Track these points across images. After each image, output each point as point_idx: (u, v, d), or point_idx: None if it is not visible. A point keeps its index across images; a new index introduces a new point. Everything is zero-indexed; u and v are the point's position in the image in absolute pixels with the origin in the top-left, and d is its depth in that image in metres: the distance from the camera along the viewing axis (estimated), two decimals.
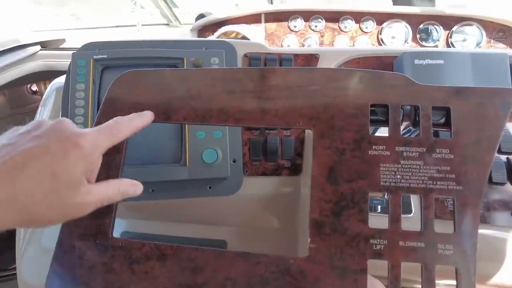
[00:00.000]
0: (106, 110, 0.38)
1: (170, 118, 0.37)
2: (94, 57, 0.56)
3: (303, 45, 1.16)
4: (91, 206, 0.31)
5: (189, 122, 0.37)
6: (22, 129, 0.31)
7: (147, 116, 0.37)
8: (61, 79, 0.64)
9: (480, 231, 0.48)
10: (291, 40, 1.17)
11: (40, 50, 1.07)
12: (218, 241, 0.60)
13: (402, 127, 0.44)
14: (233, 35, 1.06)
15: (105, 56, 0.56)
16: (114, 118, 0.35)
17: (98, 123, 0.38)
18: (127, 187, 0.35)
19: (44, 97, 0.64)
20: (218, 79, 0.37)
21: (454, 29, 1.12)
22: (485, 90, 0.34)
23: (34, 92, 1.33)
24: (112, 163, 0.37)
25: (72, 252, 0.35)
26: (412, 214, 0.50)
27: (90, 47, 0.58)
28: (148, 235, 0.59)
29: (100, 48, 0.58)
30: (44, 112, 0.63)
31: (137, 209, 0.58)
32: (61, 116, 0.57)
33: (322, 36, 1.16)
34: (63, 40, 1.13)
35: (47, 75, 1.09)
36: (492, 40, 1.13)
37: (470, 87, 0.34)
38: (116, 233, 0.58)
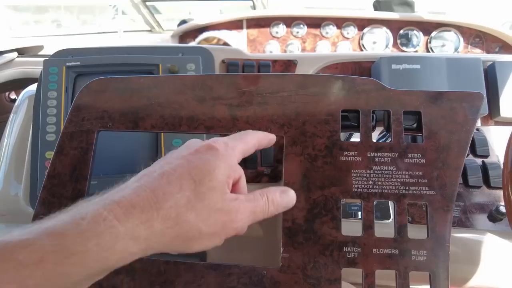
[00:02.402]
0: (73, 119, 0.37)
1: (138, 126, 0.36)
2: (67, 64, 0.54)
3: (285, 51, 1.16)
4: (244, 216, 0.28)
5: (157, 130, 0.36)
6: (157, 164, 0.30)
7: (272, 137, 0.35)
8: (34, 87, 0.62)
9: (458, 234, 0.48)
10: (273, 46, 1.17)
11: (17, 57, 1.04)
12: (197, 253, 0.58)
13: (377, 133, 0.44)
14: (215, 41, 1.06)
15: (78, 63, 0.54)
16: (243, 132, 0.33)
17: (65, 133, 0.37)
18: (275, 194, 0.31)
19: (16, 104, 0.62)
20: (188, 86, 0.36)
21: (433, 34, 1.14)
22: (454, 94, 0.34)
23: (13, 100, 1.29)
24: (80, 175, 0.35)
25: None
26: (390, 220, 0.50)
27: (63, 53, 0.57)
28: None
29: (73, 55, 0.56)
30: (16, 120, 0.61)
31: None
32: (33, 126, 0.55)
33: (304, 42, 1.16)
34: (41, 47, 1.10)
35: (25, 83, 1.06)
36: (469, 46, 1.15)
37: (439, 91, 0.34)
38: None
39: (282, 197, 0.31)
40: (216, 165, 0.28)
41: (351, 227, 0.32)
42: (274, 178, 0.56)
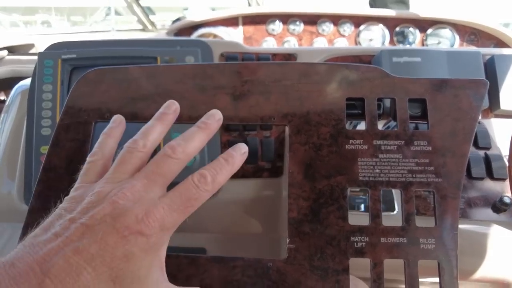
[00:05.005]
0: (70, 111, 0.36)
1: (137, 117, 0.35)
2: (62, 57, 0.53)
3: None
4: None
5: None
6: (67, 208, 0.25)
7: (237, 159, 0.29)
8: (26, 82, 0.60)
9: (462, 226, 0.48)
10: (270, 44, 1.16)
11: (8, 55, 1.02)
12: (197, 249, 0.57)
13: (381, 124, 0.44)
14: (210, 37, 1.05)
15: (74, 55, 0.53)
16: (194, 177, 0.27)
17: (61, 125, 0.36)
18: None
19: (7, 102, 0.61)
20: (189, 76, 0.35)
21: (428, 32, 1.15)
22: (459, 81, 0.33)
23: (2, 101, 1.26)
24: (77, 168, 0.34)
25: None
26: (395, 211, 0.49)
27: (58, 46, 0.56)
28: None
29: (68, 48, 0.55)
30: (8, 119, 0.59)
31: None
32: (27, 120, 0.54)
33: (301, 39, 1.16)
34: (32, 45, 1.08)
35: (15, 82, 1.04)
36: (464, 43, 1.16)
37: (444, 78, 0.34)
38: None
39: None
40: (143, 261, 0.23)
41: (356, 220, 0.32)
42: (274, 173, 0.55)
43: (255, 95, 0.35)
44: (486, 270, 0.46)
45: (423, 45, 1.15)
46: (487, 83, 0.33)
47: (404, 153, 0.32)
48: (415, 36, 1.14)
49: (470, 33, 1.15)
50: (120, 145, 0.48)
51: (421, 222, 0.31)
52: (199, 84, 0.35)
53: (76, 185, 0.28)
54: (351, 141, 0.33)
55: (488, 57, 0.59)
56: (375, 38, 1.15)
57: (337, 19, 1.15)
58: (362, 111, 0.34)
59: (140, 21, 1.67)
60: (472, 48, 1.12)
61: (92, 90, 0.36)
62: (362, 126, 0.50)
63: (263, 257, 0.31)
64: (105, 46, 0.55)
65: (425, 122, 0.33)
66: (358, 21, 1.15)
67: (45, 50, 0.55)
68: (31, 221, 0.33)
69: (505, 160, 0.49)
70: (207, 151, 0.52)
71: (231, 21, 1.13)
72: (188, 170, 0.50)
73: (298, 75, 0.35)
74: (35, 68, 0.53)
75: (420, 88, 0.34)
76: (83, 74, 0.37)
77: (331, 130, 0.33)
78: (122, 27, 1.85)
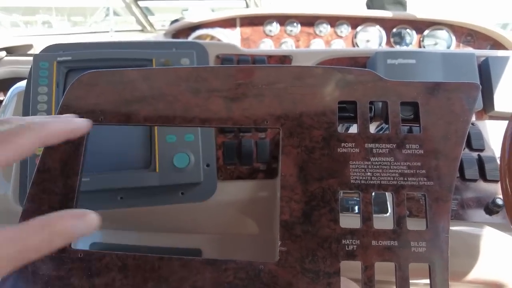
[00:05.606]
0: (64, 113, 0.36)
1: (131, 120, 0.35)
2: (58, 59, 0.53)
3: None
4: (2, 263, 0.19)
5: (151, 123, 0.35)
6: None
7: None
8: (23, 83, 0.60)
9: (455, 228, 0.48)
10: (267, 45, 1.17)
11: (6, 56, 1.02)
12: (192, 250, 0.57)
13: (375, 126, 0.44)
14: (208, 39, 1.05)
15: (70, 58, 0.53)
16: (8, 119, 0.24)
17: None
18: (68, 222, 0.22)
19: (4, 103, 0.61)
20: (182, 78, 0.36)
21: (425, 33, 1.15)
22: (451, 85, 0.34)
23: (0, 102, 1.26)
24: (71, 170, 0.34)
25: (24, 267, 0.32)
26: (388, 214, 0.50)
27: (54, 48, 0.56)
28: (119, 246, 0.56)
29: (64, 50, 0.55)
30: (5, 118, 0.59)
31: (106, 218, 0.55)
32: None
33: (298, 41, 1.16)
34: (31, 46, 1.08)
35: (14, 83, 1.04)
36: (461, 44, 1.17)
37: (436, 82, 0.34)
38: (85, 245, 0.55)
39: (77, 225, 0.23)
40: None
41: (348, 221, 0.32)
42: (270, 174, 0.56)
43: (248, 98, 0.35)
44: (479, 271, 0.46)
45: (420, 46, 1.15)
46: (479, 86, 0.34)
47: (396, 156, 0.32)
48: (412, 37, 1.15)
49: (466, 34, 1.15)
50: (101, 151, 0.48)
51: (413, 224, 0.31)
52: (193, 86, 0.35)
53: None
54: (343, 144, 0.33)
55: (482, 59, 0.59)
56: (372, 39, 1.15)
57: (334, 20, 1.15)
58: (354, 114, 0.34)
59: (138, 21, 1.67)
60: (468, 50, 1.12)
61: (86, 92, 0.36)
62: (354, 129, 0.50)
63: (259, 259, 0.31)
64: (101, 48, 0.55)
65: (417, 125, 0.34)
66: (355, 22, 1.15)
67: (40, 52, 0.55)
68: None
69: (498, 162, 0.49)
70: (201, 153, 0.52)
71: (228, 22, 1.13)
72: (183, 172, 0.50)
73: (292, 78, 0.35)
74: (30, 69, 0.53)
75: (413, 91, 0.34)
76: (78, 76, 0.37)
77: (323, 133, 0.33)
78: (122, 28, 1.85)
